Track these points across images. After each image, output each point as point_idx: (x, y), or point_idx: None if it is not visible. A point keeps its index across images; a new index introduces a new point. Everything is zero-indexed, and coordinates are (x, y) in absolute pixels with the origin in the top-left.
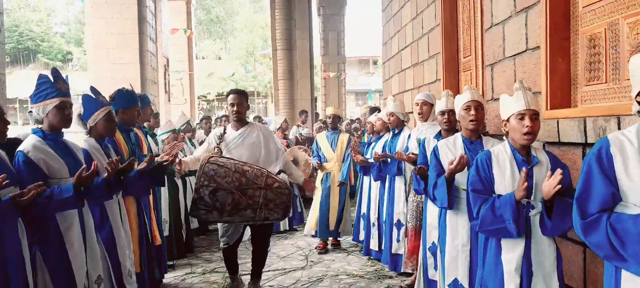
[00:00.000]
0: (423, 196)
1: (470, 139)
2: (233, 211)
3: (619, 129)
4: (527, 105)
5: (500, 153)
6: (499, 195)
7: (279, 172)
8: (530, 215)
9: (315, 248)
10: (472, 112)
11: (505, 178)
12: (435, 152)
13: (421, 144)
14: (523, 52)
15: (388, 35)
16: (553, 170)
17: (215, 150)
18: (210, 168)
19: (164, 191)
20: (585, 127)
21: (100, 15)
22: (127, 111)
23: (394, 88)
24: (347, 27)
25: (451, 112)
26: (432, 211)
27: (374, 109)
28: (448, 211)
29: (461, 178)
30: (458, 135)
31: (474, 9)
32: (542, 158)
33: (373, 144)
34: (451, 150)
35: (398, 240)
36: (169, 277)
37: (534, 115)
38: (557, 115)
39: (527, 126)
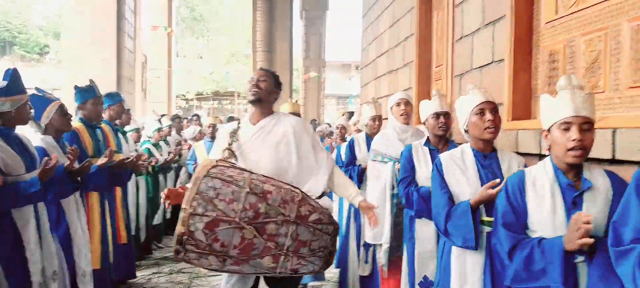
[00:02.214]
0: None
1: (483, 152)
2: (242, 257)
3: None
4: (576, 112)
5: (539, 175)
6: (541, 239)
7: (321, 195)
8: (576, 261)
9: None
10: (489, 116)
11: (543, 211)
12: (438, 167)
13: (406, 152)
14: (489, 63)
15: (366, 42)
16: (618, 196)
17: (225, 154)
18: (209, 186)
19: (142, 190)
20: (540, 139)
21: (78, 10)
22: (85, 106)
23: (371, 94)
24: (330, 31)
25: (447, 115)
26: (423, 234)
27: (353, 114)
28: (453, 250)
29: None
30: (466, 146)
31: (446, 20)
32: (598, 182)
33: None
34: (459, 166)
35: (366, 262)
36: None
37: (585, 124)
38: (517, 126)
39: (574, 139)
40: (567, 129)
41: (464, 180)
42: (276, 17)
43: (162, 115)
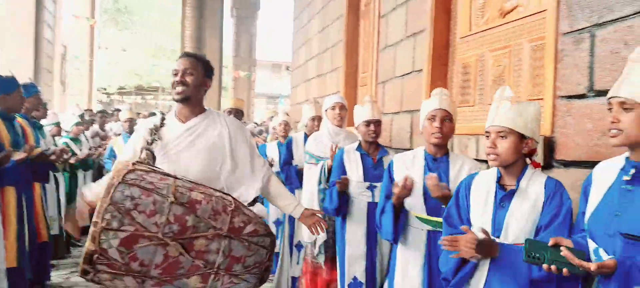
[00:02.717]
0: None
1: (434, 156)
2: (165, 278)
3: (477, 146)
4: (491, 122)
5: (487, 177)
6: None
7: (254, 201)
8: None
9: None
10: (437, 123)
11: (478, 209)
12: (389, 169)
13: (338, 155)
14: (409, 73)
15: (297, 44)
16: (547, 203)
17: (143, 155)
18: (126, 196)
19: (61, 187)
20: (452, 144)
21: None
22: (7, 97)
23: (300, 96)
24: (261, 31)
25: (378, 123)
26: (354, 236)
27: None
28: (398, 245)
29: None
30: (420, 149)
31: (372, 30)
32: (531, 187)
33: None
34: (408, 167)
35: (298, 263)
36: (52, 276)
37: (499, 133)
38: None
39: (488, 146)
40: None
41: None
42: (206, 13)
43: (87, 110)
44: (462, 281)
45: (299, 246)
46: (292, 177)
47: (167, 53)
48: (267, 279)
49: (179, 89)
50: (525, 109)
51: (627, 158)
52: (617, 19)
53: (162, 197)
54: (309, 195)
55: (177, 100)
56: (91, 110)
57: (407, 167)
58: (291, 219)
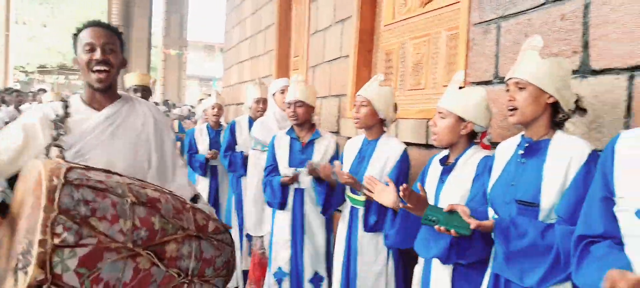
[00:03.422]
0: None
1: (368, 139)
2: None
3: (396, 130)
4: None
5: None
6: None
7: (195, 198)
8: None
9: None
10: (355, 110)
11: (429, 182)
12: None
13: (271, 141)
14: (338, 58)
15: (230, 25)
16: (477, 179)
17: (54, 153)
18: (75, 199)
19: None
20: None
21: None
22: None
23: (233, 78)
24: (193, 11)
25: (299, 103)
26: (279, 222)
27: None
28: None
29: None
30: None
31: (303, 14)
32: (467, 163)
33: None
34: (352, 150)
35: (249, 254)
36: None
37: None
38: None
39: (431, 125)
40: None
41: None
42: None
43: (5, 90)
44: (397, 234)
45: (249, 236)
46: (236, 163)
47: None
48: (230, 280)
49: (103, 72)
50: (469, 95)
51: (523, 135)
52: (519, 12)
53: (119, 197)
54: (256, 184)
55: (100, 89)
56: (9, 88)
57: (350, 148)
58: (240, 208)
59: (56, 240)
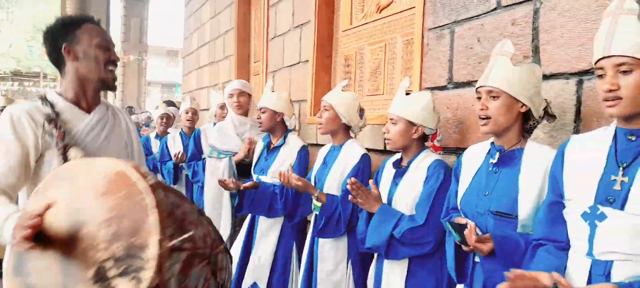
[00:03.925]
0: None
1: (333, 144)
2: None
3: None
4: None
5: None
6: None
7: None
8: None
9: None
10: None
11: (383, 184)
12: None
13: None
14: (297, 63)
15: (189, 31)
16: (427, 182)
17: (73, 154)
18: (170, 201)
19: None
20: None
21: None
22: None
23: (192, 84)
24: (155, 15)
25: (263, 111)
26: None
27: (171, 103)
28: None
29: None
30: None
31: (262, 19)
32: (418, 167)
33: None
34: (320, 156)
35: None
36: None
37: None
38: (316, 121)
39: (384, 131)
40: None
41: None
42: None
43: None
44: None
45: None
46: (200, 173)
47: None
48: None
49: (113, 72)
50: (416, 99)
51: (492, 143)
52: (472, 16)
53: (189, 204)
54: (212, 195)
55: (110, 88)
56: None
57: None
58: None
59: (172, 242)
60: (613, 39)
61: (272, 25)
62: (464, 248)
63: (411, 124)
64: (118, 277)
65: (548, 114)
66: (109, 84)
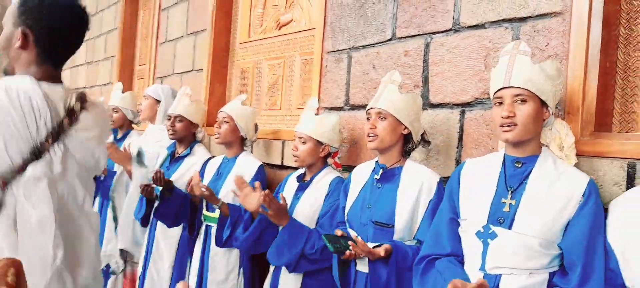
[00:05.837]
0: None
1: (227, 157)
2: None
3: (251, 147)
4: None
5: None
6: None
7: None
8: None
9: None
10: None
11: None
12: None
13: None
14: (190, 71)
15: None
16: (328, 197)
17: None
18: None
19: None
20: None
21: None
22: None
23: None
24: None
25: (177, 118)
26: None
27: None
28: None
29: None
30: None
31: (152, 21)
32: (321, 185)
33: None
34: (211, 168)
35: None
36: None
37: (301, 138)
38: (209, 132)
39: (292, 148)
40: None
41: None
42: None
43: None
44: (249, 238)
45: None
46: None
47: None
48: None
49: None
50: (324, 120)
51: (377, 161)
52: (368, 44)
53: None
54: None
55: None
56: None
57: None
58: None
59: None
60: (512, 73)
61: (162, 29)
62: (342, 257)
63: (319, 143)
64: None
65: (424, 140)
66: None
